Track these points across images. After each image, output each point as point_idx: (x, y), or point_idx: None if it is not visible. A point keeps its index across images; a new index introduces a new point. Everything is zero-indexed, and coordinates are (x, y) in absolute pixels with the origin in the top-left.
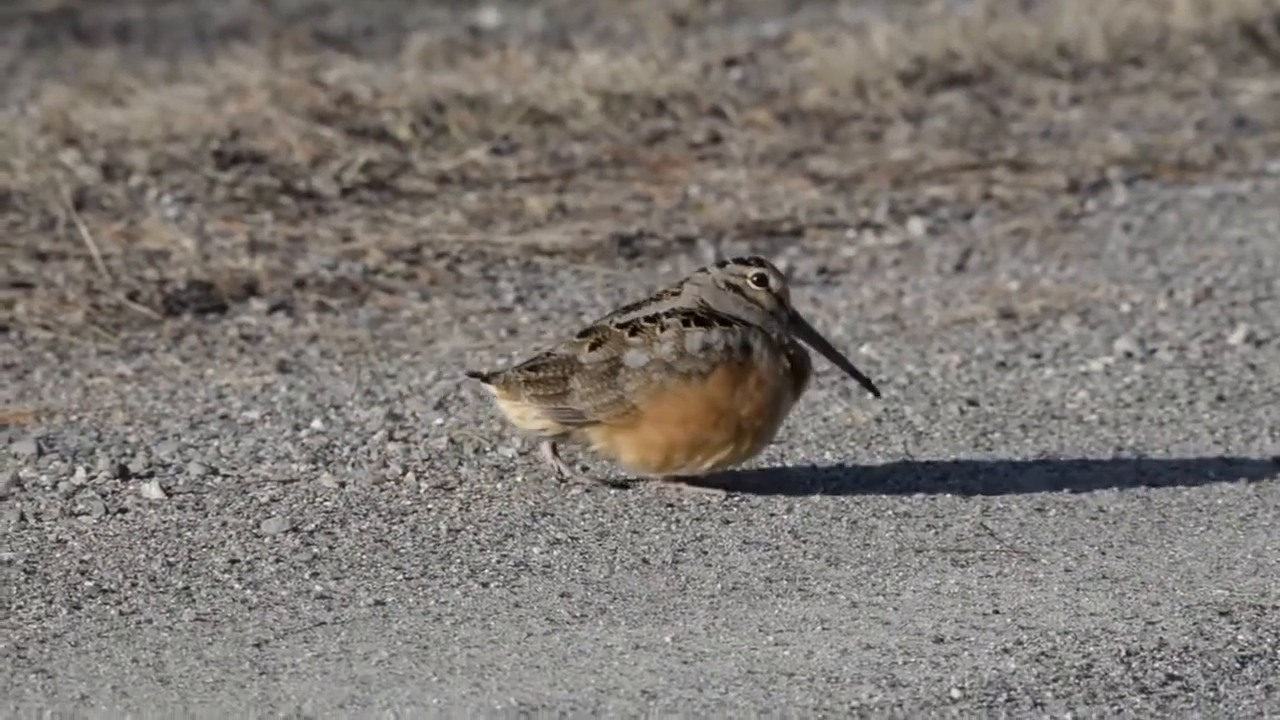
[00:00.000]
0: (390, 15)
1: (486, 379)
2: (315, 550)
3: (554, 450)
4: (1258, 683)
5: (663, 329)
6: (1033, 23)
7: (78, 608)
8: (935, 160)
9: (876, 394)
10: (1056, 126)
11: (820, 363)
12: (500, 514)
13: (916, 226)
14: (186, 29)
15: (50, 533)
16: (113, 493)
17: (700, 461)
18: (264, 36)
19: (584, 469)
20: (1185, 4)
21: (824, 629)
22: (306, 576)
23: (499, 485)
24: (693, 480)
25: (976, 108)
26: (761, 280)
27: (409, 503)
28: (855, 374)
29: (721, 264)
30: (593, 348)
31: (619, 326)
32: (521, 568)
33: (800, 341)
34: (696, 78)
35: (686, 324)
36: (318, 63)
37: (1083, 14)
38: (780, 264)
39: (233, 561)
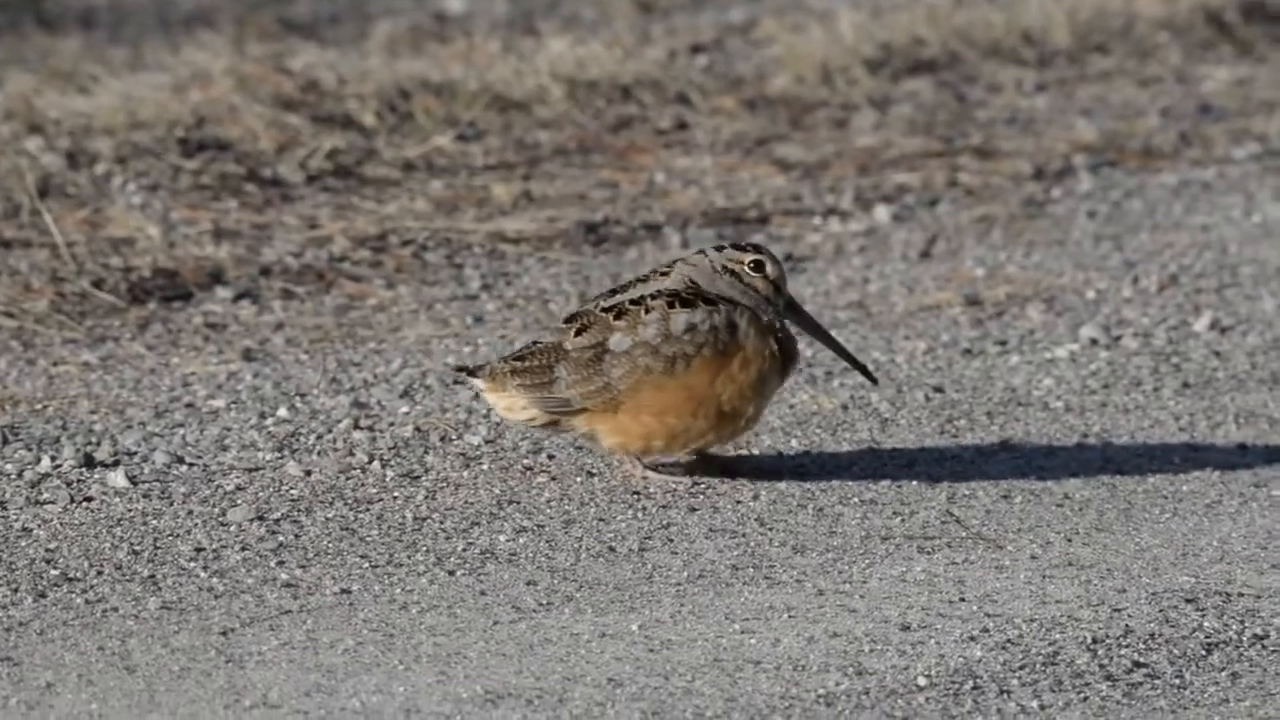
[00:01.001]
0: (355, 2)
1: (472, 373)
2: (281, 538)
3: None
4: (1223, 670)
5: (647, 311)
6: (998, 9)
7: (43, 596)
8: (901, 147)
9: (874, 381)
10: (1022, 113)
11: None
12: (466, 502)
13: (882, 213)
14: (150, 16)
15: (15, 521)
16: (78, 481)
17: (680, 447)
18: (228, 23)
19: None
20: None
21: (790, 617)
22: (272, 565)
23: (465, 473)
24: (658, 468)
25: (942, 94)
26: (758, 266)
27: (375, 491)
28: (853, 361)
29: (719, 248)
30: (578, 333)
31: (604, 310)
32: (488, 556)
33: (797, 328)
34: (662, 64)
35: (671, 305)
36: (283, 50)
37: (1048, 1)
38: None
39: (198, 550)
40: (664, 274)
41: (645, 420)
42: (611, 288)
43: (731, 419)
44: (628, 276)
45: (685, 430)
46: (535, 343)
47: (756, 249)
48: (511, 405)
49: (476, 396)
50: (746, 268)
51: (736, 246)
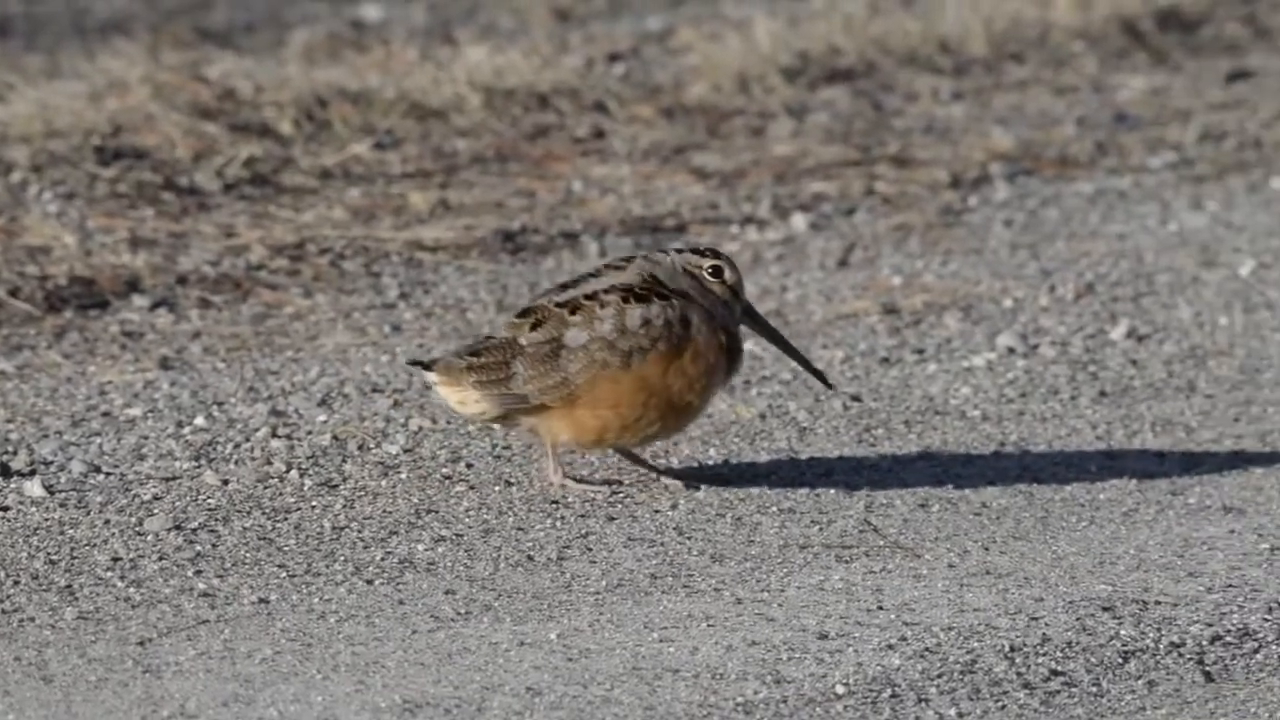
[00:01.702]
0: (272, 10)
1: (427, 366)
2: (198, 548)
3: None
4: (1140, 678)
5: (602, 306)
6: (914, 18)
7: None
8: (818, 155)
9: (831, 387)
10: (938, 122)
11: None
12: (384, 511)
13: (799, 222)
14: (66, 24)
15: None
16: None
17: (630, 438)
18: (144, 31)
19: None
20: (1066, 0)
21: (709, 625)
22: (190, 574)
23: (383, 482)
24: (579, 477)
25: (859, 103)
26: (717, 272)
27: (293, 500)
28: (810, 367)
29: (679, 250)
30: (533, 328)
31: (558, 305)
32: (406, 565)
33: (754, 333)
34: (580, 72)
35: (626, 300)
36: (199, 58)
37: (964, 9)
38: None
39: (115, 559)
40: (618, 268)
41: (601, 414)
42: (561, 282)
43: (682, 411)
44: (546, 284)
45: (637, 421)
46: (489, 338)
47: (715, 254)
48: (464, 399)
49: (427, 388)
50: (705, 273)
51: (695, 251)
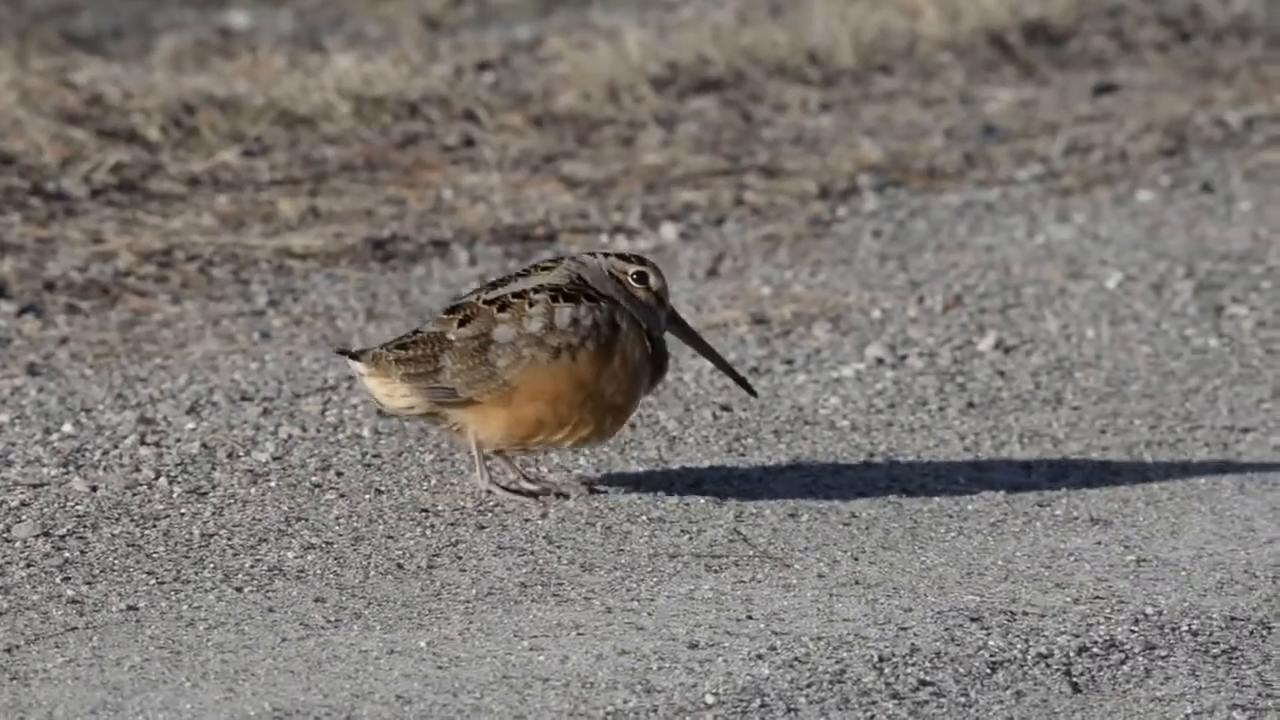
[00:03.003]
0: (139, 16)
1: (355, 356)
2: (67, 554)
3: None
4: (1008, 688)
5: (531, 304)
6: (783, 29)
7: None
8: (687, 165)
9: (753, 393)
10: (807, 133)
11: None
12: (254, 518)
13: (669, 231)
14: None
15: None
16: None
17: (563, 439)
18: (11, 36)
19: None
20: (934, 12)
21: (579, 634)
22: (58, 581)
23: (253, 490)
24: (504, 486)
25: (728, 113)
26: (641, 278)
27: (162, 507)
28: (732, 373)
29: (606, 254)
30: (461, 324)
31: (486, 303)
32: (275, 572)
33: (679, 340)
34: (449, 81)
35: (555, 299)
36: (66, 63)
37: (832, 21)
38: None
39: None
40: (546, 269)
41: (540, 408)
42: (490, 281)
43: (615, 412)
44: (416, 291)
45: (574, 420)
46: (416, 332)
47: (640, 260)
48: (392, 392)
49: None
50: (630, 278)
51: (621, 257)
